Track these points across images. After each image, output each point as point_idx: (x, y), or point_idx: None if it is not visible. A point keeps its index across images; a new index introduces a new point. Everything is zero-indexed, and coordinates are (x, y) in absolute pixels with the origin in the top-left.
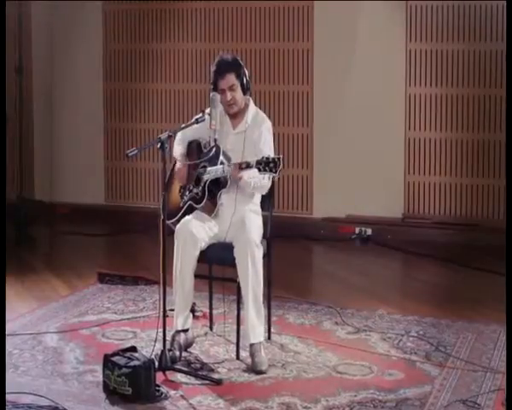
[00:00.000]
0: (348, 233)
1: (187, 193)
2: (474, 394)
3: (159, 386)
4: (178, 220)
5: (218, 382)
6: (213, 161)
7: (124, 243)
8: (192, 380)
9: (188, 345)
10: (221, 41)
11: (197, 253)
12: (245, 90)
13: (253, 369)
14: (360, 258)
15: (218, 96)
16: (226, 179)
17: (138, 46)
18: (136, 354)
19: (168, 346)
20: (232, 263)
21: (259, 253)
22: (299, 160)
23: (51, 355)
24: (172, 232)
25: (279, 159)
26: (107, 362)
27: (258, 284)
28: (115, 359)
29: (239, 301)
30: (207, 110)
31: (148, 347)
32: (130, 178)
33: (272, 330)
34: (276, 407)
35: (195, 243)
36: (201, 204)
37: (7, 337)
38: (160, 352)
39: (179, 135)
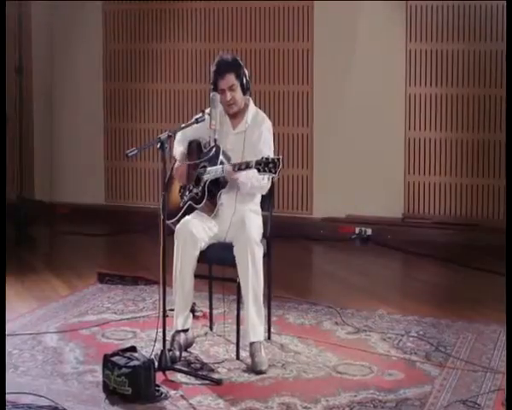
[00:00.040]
0: (348, 233)
1: (187, 193)
2: (474, 394)
3: (158, 386)
4: (178, 220)
5: (218, 382)
6: (213, 160)
7: (124, 243)
8: (192, 380)
9: (188, 345)
10: (221, 41)
11: (197, 253)
12: (245, 90)
13: (253, 369)
14: (360, 258)
15: (217, 96)
16: (226, 179)
17: (138, 46)
18: (135, 354)
19: (168, 346)
20: (232, 263)
21: (260, 252)
22: (299, 160)
23: (51, 355)
24: (172, 232)
25: (278, 159)
26: (107, 362)
27: (258, 283)
28: (115, 359)
29: (239, 301)
30: (207, 110)
31: (148, 347)
32: (130, 178)
33: (272, 330)
34: (276, 407)
35: (195, 243)
36: (201, 204)
37: (7, 337)
38: (159, 352)
39: (179, 135)
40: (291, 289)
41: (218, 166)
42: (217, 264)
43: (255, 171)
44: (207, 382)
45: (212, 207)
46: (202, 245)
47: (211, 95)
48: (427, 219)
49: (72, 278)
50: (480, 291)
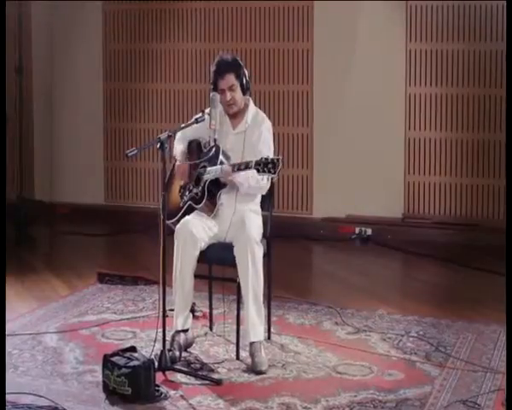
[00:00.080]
0: (348, 233)
1: (187, 193)
2: (474, 394)
3: (158, 386)
4: (178, 220)
5: (218, 382)
6: (213, 160)
7: (123, 243)
8: (192, 380)
9: (187, 345)
10: (221, 41)
11: (197, 253)
12: (244, 90)
13: (253, 369)
14: (360, 258)
15: (217, 96)
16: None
17: (138, 46)
18: (135, 355)
19: (168, 346)
20: (232, 263)
21: (260, 251)
22: (299, 160)
23: (51, 355)
24: (172, 232)
25: (278, 160)
26: (107, 362)
27: (258, 283)
28: (115, 359)
29: (239, 301)
30: (207, 110)
31: (148, 347)
32: (129, 178)
33: (272, 330)
34: (275, 408)
35: (195, 243)
36: (201, 204)
37: (7, 337)
38: (159, 352)
39: (179, 134)
40: (291, 289)
41: (218, 167)
42: (217, 264)
43: (254, 171)
44: (207, 382)
45: (211, 207)
46: (202, 245)
47: (211, 95)
48: (427, 219)
49: (72, 278)
50: (480, 291)
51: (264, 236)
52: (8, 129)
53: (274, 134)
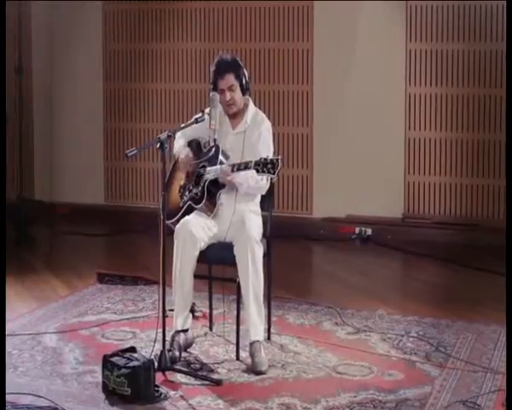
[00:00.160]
0: (348, 233)
1: (186, 193)
2: (474, 394)
3: (158, 386)
4: (178, 220)
5: (218, 382)
6: (213, 160)
7: (123, 243)
8: (192, 380)
9: (187, 345)
10: (221, 41)
11: (197, 253)
12: (244, 90)
13: (253, 369)
14: (360, 258)
15: (217, 96)
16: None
17: (138, 46)
18: (135, 355)
19: (168, 346)
20: (232, 263)
21: (260, 251)
22: (299, 160)
23: (50, 356)
24: (172, 232)
25: (277, 160)
26: (107, 363)
27: (258, 283)
28: (114, 359)
29: (239, 301)
30: (207, 110)
31: (148, 347)
32: (129, 178)
33: (272, 330)
34: (275, 408)
35: (195, 243)
36: (201, 204)
37: (6, 337)
38: (159, 352)
39: (179, 134)
40: (291, 289)
41: (218, 167)
42: (216, 264)
43: (254, 171)
44: (207, 382)
45: (211, 207)
46: (202, 245)
47: (210, 95)
48: (427, 219)
49: (71, 278)
50: (480, 291)
51: (264, 236)
52: (8, 129)
53: (274, 134)
